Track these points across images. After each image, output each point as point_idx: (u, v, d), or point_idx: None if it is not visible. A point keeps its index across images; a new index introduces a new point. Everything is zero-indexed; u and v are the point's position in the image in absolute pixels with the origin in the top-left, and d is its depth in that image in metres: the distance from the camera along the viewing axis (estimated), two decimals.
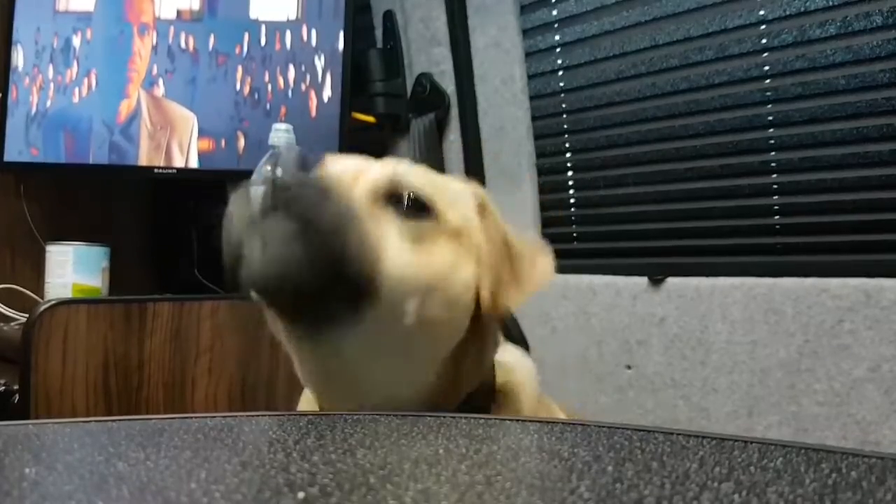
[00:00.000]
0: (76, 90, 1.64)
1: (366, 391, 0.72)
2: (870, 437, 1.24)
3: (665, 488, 0.33)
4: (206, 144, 1.72)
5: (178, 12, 1.70)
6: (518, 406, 0.80)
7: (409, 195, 0.70)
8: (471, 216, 0.76)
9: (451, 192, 0.76)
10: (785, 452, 0.40)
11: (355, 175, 0.73)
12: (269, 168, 0.64)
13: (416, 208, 0.71)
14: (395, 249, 0.68)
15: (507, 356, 0.86)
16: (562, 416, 0.89)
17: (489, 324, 0.78)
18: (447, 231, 0.72)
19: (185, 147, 1.70)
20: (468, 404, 0.76)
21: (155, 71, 1.69)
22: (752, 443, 0.43)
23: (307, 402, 0.85)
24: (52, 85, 1.63)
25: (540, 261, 0.81)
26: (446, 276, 0.70)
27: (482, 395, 0.78)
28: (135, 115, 1.67)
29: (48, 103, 1.62)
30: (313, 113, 1.79)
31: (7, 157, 1.59)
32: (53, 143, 1.63)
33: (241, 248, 0.64)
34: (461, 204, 0.76)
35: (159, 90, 1.69)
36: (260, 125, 1.71)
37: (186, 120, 1.71)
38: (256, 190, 0.63)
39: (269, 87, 1.77)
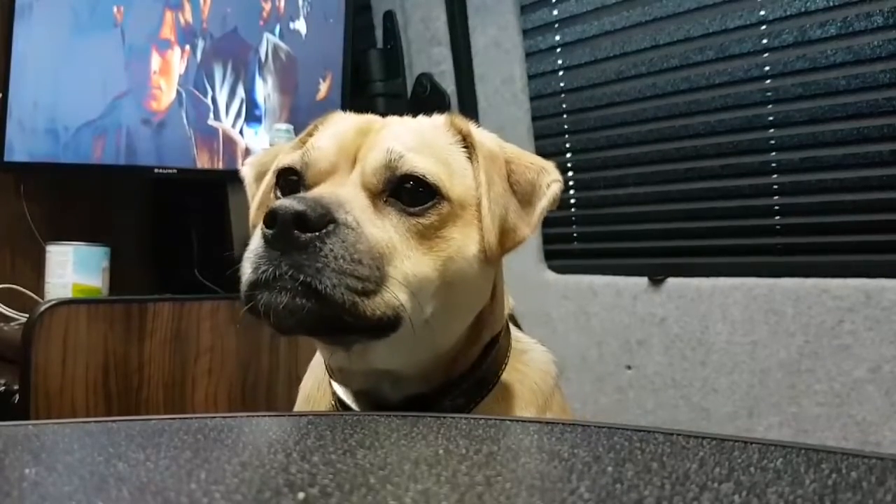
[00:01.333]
0: None
1: (387, 365, 0.73)
2: (870, 438, 1.24)
3: (665, 489, 0.33)
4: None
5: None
6: (522, 392, 0.80)
7: (410, 183, 0.70)
8: (470, 182, 0.74)
9: (447, 156, 0.74)
10: (785, 453, 0.40)
11: (352, 154, 0.73)
12: (270, 233, 0.62)
13: (418, 192, 0.70)
14: (404, 259, 0.67)
15: (530, 345, 0.86)
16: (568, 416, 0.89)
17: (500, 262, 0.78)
18: (452, 210, 0.71)
19: None
20: (474, 375, 0.76)
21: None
22: (752, 443, 0.43)
23: (315, 384, 0.85)
24: None
25: (544, 180, 0.79)
26: (456, 260, 0.70)
27: (492, 364, 0.78)
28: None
29: None
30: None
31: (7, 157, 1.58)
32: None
33: (256, 294, 0.64)
34: (458, 167, 0.74)
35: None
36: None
37: None
38: (261, 253, 0.63)
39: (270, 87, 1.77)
